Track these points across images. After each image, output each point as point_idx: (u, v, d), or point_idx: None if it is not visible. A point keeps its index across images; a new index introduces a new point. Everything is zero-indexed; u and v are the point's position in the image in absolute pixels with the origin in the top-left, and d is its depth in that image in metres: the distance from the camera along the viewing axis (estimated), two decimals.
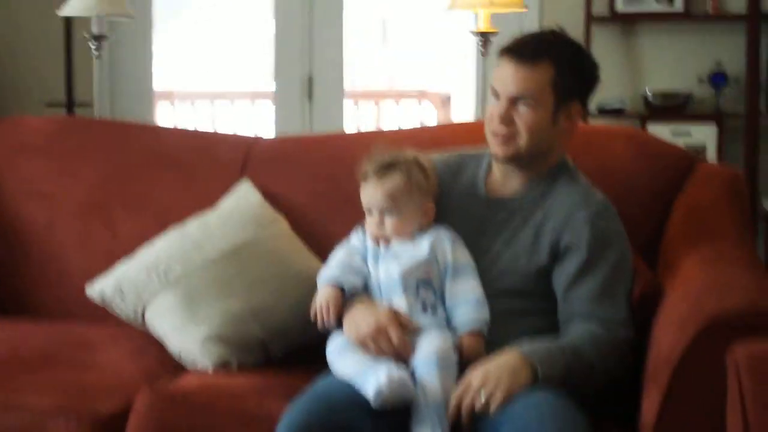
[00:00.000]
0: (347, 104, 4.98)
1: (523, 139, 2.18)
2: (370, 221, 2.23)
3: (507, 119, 2.18)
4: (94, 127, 3.05)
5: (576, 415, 1.93)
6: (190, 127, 3.06)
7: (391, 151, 2.24)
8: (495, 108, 2.20)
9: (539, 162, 2.24)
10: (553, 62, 2.18)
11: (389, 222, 2.20)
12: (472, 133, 2.57)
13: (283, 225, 2.62)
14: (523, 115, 2.17)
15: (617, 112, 4.15)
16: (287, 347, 2.45)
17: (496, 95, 2.20)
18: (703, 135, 4.12)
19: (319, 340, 2.20)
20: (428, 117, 6.99)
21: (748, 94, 4.09)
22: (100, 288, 2.54)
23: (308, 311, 2.20)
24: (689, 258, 2.22)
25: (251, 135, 2.91)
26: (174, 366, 2.40)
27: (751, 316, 1.83)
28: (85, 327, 2.64)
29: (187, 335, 2.38)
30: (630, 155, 2.51)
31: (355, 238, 2.28)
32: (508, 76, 2.18)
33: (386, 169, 2.20)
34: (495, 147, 2.22)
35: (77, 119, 3.79)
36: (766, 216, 3.97)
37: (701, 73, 4.15)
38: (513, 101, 2.18)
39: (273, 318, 2.41)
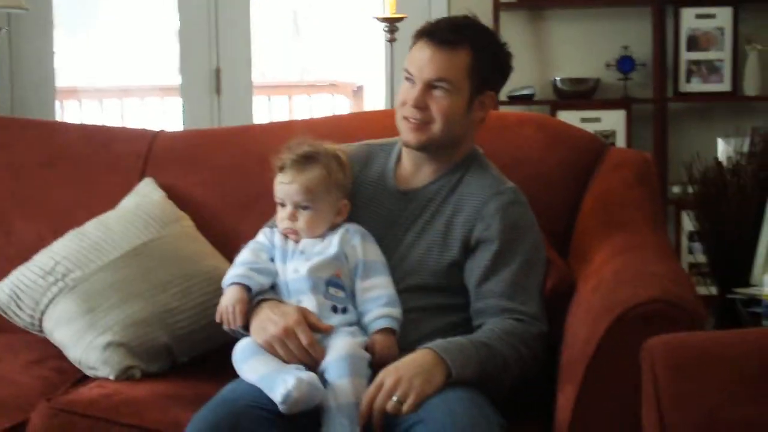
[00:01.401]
0: (260, 99, 4.87)
1: (437, 126, 2.13)
2: (283, 215, 2.15)
3: (422, 104, 2.12)
4: None
5: (490, 413, 1.89)
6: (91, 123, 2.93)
7: (310, 142, 2.17)
8: (409, 92, 2.14)
9: (450, 151, 2.19)
10: (471, 49, 2.13)
11: (303, 217, 2.13)
12: (384, 121, 2.51)
13: (187, 224, 2.53)
14: (438, 100, 2.12)
15: (527, 99, 4.14)
16: (194, 352, 2.36)
17: (411, 79, 2.14)
18: (612, 121, 4.13)
19: (227, 344, 2.12)
20: (341, 109, 6.92)
21: (655, 79, 4.11)
22: None
23: (215, 313, 2.12)
24: (601, 248, 2.19)
25: (153, 129, 2.79)
26: (74, 376, 2.29)
27: (664, 305, 1.80)
28: None
29: (86, 343, 2.27)
30: (541, 142, 2.48)
31: (262, 237, 2.20)
32: (424, 59, 2.12)
33: (305, 161, 2.13)
34: (407, 133, 2.16)
35: None
36: (675, 201, 4.00)
37: (609, 58, 4.16)
38: (429, 86, 2.12)
39: (178, 322, 2.32)
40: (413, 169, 2.23)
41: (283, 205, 2.16)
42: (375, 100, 5.21)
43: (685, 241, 4.01)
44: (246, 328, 2.08)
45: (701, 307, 1.86)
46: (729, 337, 1.60)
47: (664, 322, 1.78)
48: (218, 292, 2.16)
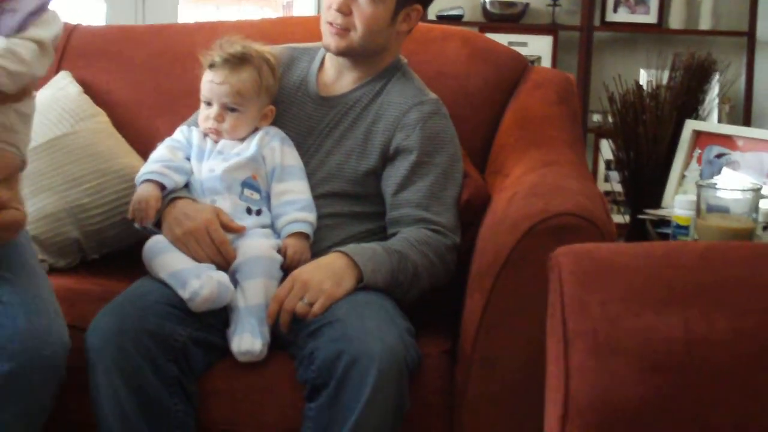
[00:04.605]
0: (186, 6, 4.74)
1: (357, 33, 2.10)
2: (207, 113, 2.11)
3: (345, 9, 2.09)
4: None
5: (398, 317, 1.91)
6: None
7: (242, 42, 2.13)
8: None
9: (373, 60, 2.17)
10: None
11: (229, 119, 2.09)
12: (311, 27, 2.47)
13: (103, 120, 2.47)
14: (362, 8, 2.09)
15: (455, 20, 4.12)
16: (104, 249, 2.34)
17: None
18: (539, 46, 4.13)
19: (139, 243, 2.09)
20: None
21: (583, 6, 4.12)
22: None
23: (127, 211, 2.09)
24: (518, 163, 2.20)
25: (71, 22, 2.71)
26: None
27: (575, 218, 1.82)
28: None
29: None
30: (465, 57, 2.47)
31: (180, 135, 2.17)
32: None
33: (239, 61, 2.08)
34: (328, 38, 2.13)
35: None
36: (595, 129, 4.04)
37: None
38: None
39: (89, 218, 2.29)
40: (336, 76, 2.21)
41: (209, 104, 2.11)
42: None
43: (602, 170, 4.06)
44: (158, 225, 2.06)
45: (611, 224, 1.89)
46: (635, 249, 1.61)
47: (575, 235, 1.79)
48: (131, 190, 2.13)
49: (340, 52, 2.14)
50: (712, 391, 1.45)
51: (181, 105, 2.41)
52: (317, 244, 2.07)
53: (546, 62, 4.12)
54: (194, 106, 2.19)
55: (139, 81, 2.58)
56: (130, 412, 1.83)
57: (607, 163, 3.94)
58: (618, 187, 2.92)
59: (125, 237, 2.28)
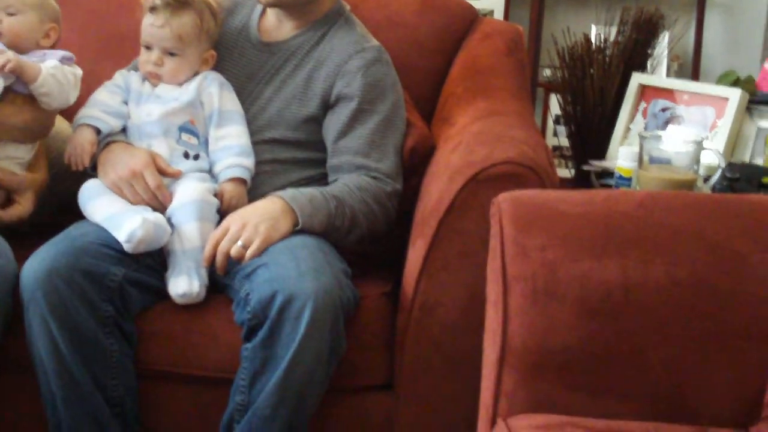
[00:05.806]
0: None
1: None
2: (147, 58, 2.07)
3: None
4: None
5: (334, 259, 1.90)
6: None
7: None
8: None
9: (309, 8, 2.15)
10: None
11: (169, 63, 2.05)
12: None
13: None
14: None
15: None
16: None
17: None
18: (491, 0, 4.11)
19: (59, 209, 2.06)
20: None
21: None
22: None
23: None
24: (465, 112, 2.19)
25: None
26: None
27: (518, 166, 1.82)
28: None
29: None
30: (415, 6, 2.44)
31: (120, 78, 2.13)
32: None
33: (179, 5, 2.04)
34: None
35: None
36: (545, 84, 4.03)
37: None
38: None
39: None
40: (276, 22, 2.18)
41: (149, 48, 2.07)
42: None
43: (551, 125, 4.06)
44: (94, 169, 2.03)
45: (554, 172, 1.89)
46: (576, 196, 1.61)
47: (517, 182, 1.79)
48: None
49: (272, 4, 2.12)
50: (647, 336, 1.46)
51: (127, 48, 2.35)
52: (257, 190, 2.04)
53: (498, 16, 4.09)
54: (137, 51, 2.14)
55: (84, 24, 2.51)
56: (64, 351, 1.81)
57: (556, 117, 3.94)
58: (566, 142, 2.92)
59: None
